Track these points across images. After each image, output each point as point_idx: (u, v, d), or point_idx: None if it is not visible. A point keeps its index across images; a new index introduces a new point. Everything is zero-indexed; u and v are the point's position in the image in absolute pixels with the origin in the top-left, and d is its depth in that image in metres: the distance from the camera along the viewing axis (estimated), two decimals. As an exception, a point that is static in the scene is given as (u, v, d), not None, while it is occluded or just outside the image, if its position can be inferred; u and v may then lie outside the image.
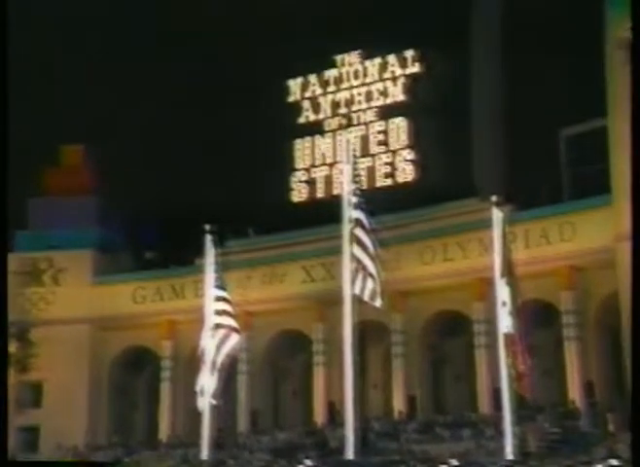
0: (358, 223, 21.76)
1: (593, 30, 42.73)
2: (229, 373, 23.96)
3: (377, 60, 52.24)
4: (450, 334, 47.01)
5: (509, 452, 22.24)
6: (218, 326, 23.40)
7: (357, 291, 21.52)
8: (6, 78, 18.65)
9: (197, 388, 23.78)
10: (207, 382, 23.31)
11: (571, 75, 44.20)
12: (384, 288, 21.56)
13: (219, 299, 23.81)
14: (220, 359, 23.17)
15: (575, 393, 41.49)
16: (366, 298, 21.49)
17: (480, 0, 51.51)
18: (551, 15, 45.96)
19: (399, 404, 45.81)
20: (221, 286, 24.09)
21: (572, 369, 42.13)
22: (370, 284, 21.31)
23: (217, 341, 23.23)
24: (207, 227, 24.98)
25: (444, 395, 47.32)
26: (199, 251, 25.05)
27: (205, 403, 23.72)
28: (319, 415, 46.92)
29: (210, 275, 24.07)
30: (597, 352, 42.24)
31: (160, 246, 53.70)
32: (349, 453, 21.39)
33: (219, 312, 23.60)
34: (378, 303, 21.39)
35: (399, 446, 38.21)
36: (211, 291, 23.82)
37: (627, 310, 39.87)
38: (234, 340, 23.36)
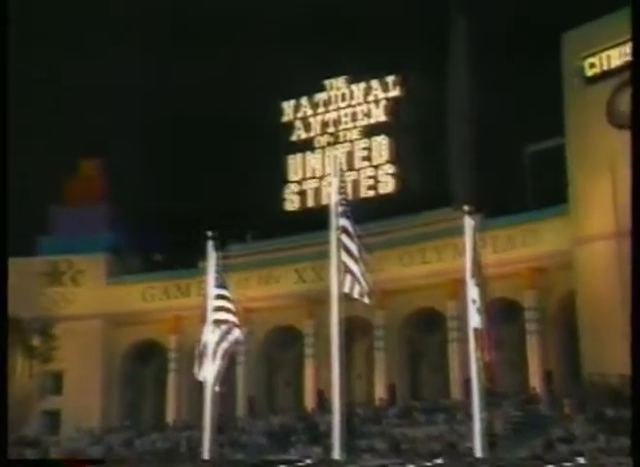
0: (344, 230, 21.64)
1: (555, 59, 42.95)
2: (228, 363, 23.79)
3: (362, 85, 52.29)
4: (427, 329, 47.01)
5: (477, 433, 22.15)
6: (219, 321, 23.25)
7: (346, 290, 21.46)
8: (6, 81, 17.90)
9: (200, 377, 23.60)
10: (209, 372, 23.17)
11: (535, 98, 44.12)
12: (371, 287, 21.48)
13: (220, 297, 23.64)
14: (221, 351, 23.04)
15: (535, 381, 41.85)
16: (355, 296, 21.43)
17: (453, 31, 51.57)
18: (518, 43, 46.02)
19: (380, 392, 45.86)
20: (222, 285, 23.94)
21: (533, 359, 42.60)
22: (356, 284, 21.24)
23: (219, 334, 23.11)
24: (209, 233, 24.83)
25: (421, 384, 47.36)
26: (203, 254, 24.86)
27: (207, 390, 23.60)
28: (309, 402, 46.93)
29: (212, 276, 23.94)
30: (555, 345, 42.40)
31: (167, 250, 53.56)
32: (335, 436, 21.28)
33: (220, 309, 23.43)
34: (367, 300, 21.34)
35: (380, 429, 38.21)
36: (212, 290, 23.67)
37: (583, 307, 40.21)
38: (236, 334, 23.22)
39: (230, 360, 23.61)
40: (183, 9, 57.37)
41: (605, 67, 41.01)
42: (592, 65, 41.41)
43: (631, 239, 11.37)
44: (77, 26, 58.59)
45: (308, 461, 21.49)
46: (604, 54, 40.98)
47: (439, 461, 27.84)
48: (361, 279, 21.12)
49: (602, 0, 40.48)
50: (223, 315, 23.28)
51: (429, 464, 28.80)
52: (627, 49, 40.35)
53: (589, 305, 39.59)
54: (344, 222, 21.66)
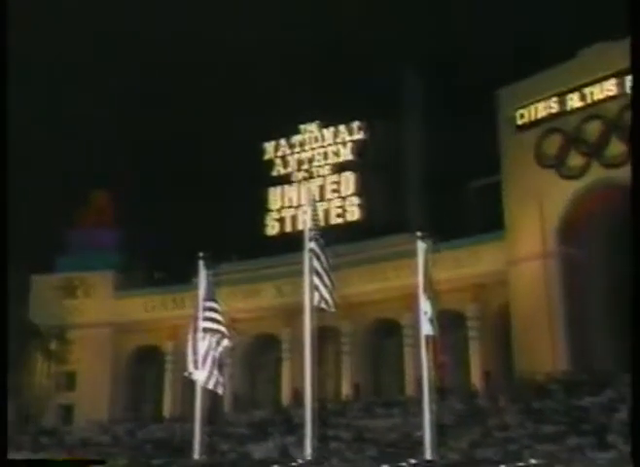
0: (314, 253, 21.84)
1: (492, 110, 43.40)
2: (219, 367, 23.74)
3: (332, 129, 52.44)
4: (386, 336, 46.94)
5: (427, 424, 22.29)
6: (209, 330, 23.17)
7: (316, 303, 21.62)
8: (6, 85, 17.61)
9: (193, 377, 23.45)
10: (200, 374, 23.06)
11: (477, 142, 44.21)
12: (335, 301, 21.65)
13: (210, 309, 23.57)
14: (212, 358, 22.88)
15: (476, 379, 41.96)
16: (322, 306, 21.61)
17: (409, 86, 52.04)
18: (463, 97, 46.38)
19: (346, 389, 45.83)
20: (212, 299, 23.89)
21: (474, 361, 42.72)
22: (323, 299, 21.42)
23: (209, 341, 22.99)
24: (201, 254, 24.90)
25: (381, 382, 47.21)
26: (195, 272, 24.87)
27: (198, 388, 23.55)
28: (286, 398, 46.70)
29: (202, 290, 23.93)
30: (492, 348, 42.33)
31: (166, 268, 53.35)
32: (307, 427, 21.32)
33: (210, 319, 23.35)
34: (332, 309, 21.53)
35: (346, 421, 38.10)
36: (203, 303, 23.61)
37: (515, 317, 40.46)
38: (225, 343, 23.11)
39: (219, 364, 23.49)
40: (183, 63, 57.38)
41: (532, 117, 41.49)
42: (522, 116, 41.90)
43: (631, 241, 11.33)
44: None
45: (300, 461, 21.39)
46: (532, 107, 41.50)
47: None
48: (326, 295, 21.31)
49: (530, 64, 41.17)
50: (212, 325, 23.22)
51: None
52: (551, 102, 41.15)
53: (521, 315, 39.97)
54: (314, 246, 21.84)
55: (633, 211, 12.15)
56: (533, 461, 24.92)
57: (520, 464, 25.12)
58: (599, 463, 25.55)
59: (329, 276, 21.59)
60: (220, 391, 23.36)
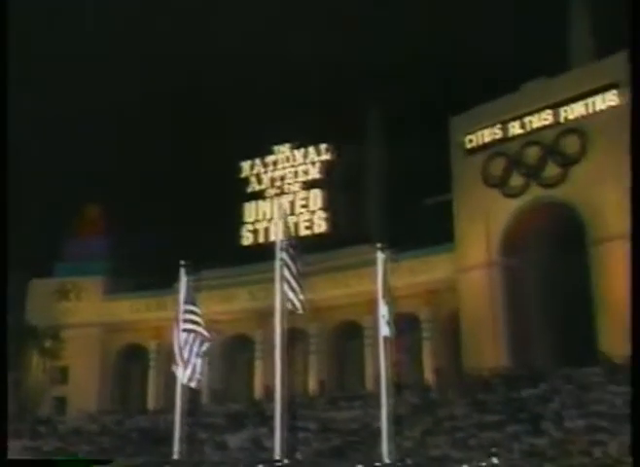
0: (284, 262, 21.96)
1: (445, 135, 43.80)
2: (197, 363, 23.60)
3: (302, 150, 52.34)
4: (349, 337, 46.93)
5: (384, 416, 22.45)
6: (188, 330, 22.99)
7: (287, 306, 21.71)
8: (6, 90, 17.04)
9: (179, 373, 23.19)
10: (180, 370, 22.90)
11: (431, 163, 44.11)
12: (303, 304, 21.76)
13: (190, 311, 23.36)
14: (193, 358, 22.69)
15: (429, 375, 42.11)
16: (291, 308, 21.69)
17: (371, 111, 52.27)
18: (419, 122, 46.66)
19: (313, 385, 45.93)
20: (192, 302, 23.69)
21: (427, 359, 42.84)
22: (293, 300, 21.55)
23: (189, 341, 22.79)
24: (182, 262, 24.76)
25: (344, 378, 47.25)
26: (177, 278, 24.72)
27: (179, 383, 23.40)
28: (258, 393, 46.54)
29: (182, 295, 23.73)
30: (444, 348, 42.50)
31: (150, 274, 52.89)
32: (277, 419, 21.36)
33: (189, 321, 23.16)
34: (300, 311, 21.60)
35: (313, 414, 38.09)
36: (183, 306, 23.40)
37: (464, 319, 40.71)
38: (206, 345, 22.93)
39: (198, 361, 23.32)
40: (170, 87, 57.21)
41: (480, 142, 41.96)
42: (471, 141, 42.37)
43: (631, 243, 11.40)
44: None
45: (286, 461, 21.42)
46: (479, 133, 41.98)
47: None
48: (294, 299, 21.43)
49: (478, 95, 41.76)
50: (192, 326, 23.03)
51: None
52: (495, 129, 41.64)
53: (468, 317, 40.31)
54: (284, 255, 21.95)
55: (633, 213, 11.98)
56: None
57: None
58: (534, 447, 25.99)
59: (297, 282, 21.71)
60: (196, 386, 23.21)
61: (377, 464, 22.19)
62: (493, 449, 24.65)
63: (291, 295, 21.47)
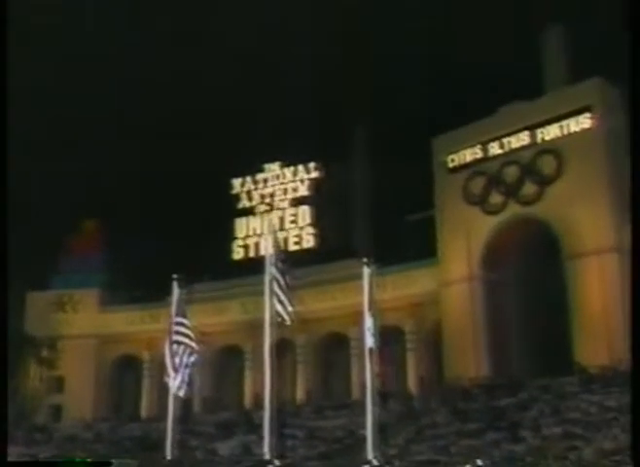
0: (273, 277, 21.93)
1: (428, 154, 44.04)
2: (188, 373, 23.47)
3: (291, 168, 52.49)
4: (335, 348, 46.70)
5: (369, 424, 22.38)
6: (179, 342, 22.86)
7: (284, 319, 21.69)
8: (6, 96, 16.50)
9: (170, 383, 23.07)
10: (172, 380, 22.77)
11: (415, 181, 44.15)
12: (292, 315, 21.72)
13: (180, 324, 23.21)
14: (182, 365, 22.58)
15: (412, 384, 42.05)
16: (280, 320, 21.67)
17: (358, 131, 52.54)
18: (403, 142, 46.80)
19: (301, 394, 45.75)
20: (183, 315, 23.53)
21: (411, 369, 42.73)
22: (281, 312, 21.54)
23: (179, 353, 22.65)
24: (175, 275, 24.66)
25: (330, 388, 47.01)
26: (170, 291, 24.60)
27: (171, 392, 23.27)
28: (248, 402, 46.30)
29: (174, 307, 23.60)
30: (426, 358, 42.53)
31: (144, 287, 52.71)
32: (266, 427, 21.24)
33: (179, 333, 23.00)
34: (288, 322, 21.56)
35: (300, 422, 37.91)
36: (174, 318, 23.26)
37: (446, 331, 40.66)
38: (193, 358, 22.79)
39: (189, 372, 23.19)
40: (166, 111, 57.31)
41: (461, 162, 42.31)
42: (453, 160, 42.69)
43: (632, 244, 11.25)
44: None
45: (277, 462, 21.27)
46: (461, 153, 42.33)
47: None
48: (282, 311, 21.40)
49: (460, 118, 42.06)
50: (181, 338, 22.91)
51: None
52: (476, 149, 41.96)
53: (450, 329, 40.43)
54: (273, 271, 21.93)
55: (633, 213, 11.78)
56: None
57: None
58: (512, 454, 25.99)
59: (286, 295, 21.68)
60: (183, 395, 23.04)
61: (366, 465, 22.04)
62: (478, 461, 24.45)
63: (279, 307, 21.47)
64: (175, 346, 22.66)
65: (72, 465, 18.78)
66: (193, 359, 22.53)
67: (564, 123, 38.57)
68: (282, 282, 21.74)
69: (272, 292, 21.70)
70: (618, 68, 36.43)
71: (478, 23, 48.99)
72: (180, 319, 23.16)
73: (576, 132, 38.15)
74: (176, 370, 22.42)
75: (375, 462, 21.84)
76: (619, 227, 35.62)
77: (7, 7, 18.61)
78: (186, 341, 22.72)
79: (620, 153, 37.33)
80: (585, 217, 36.42)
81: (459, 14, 51.74)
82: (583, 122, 37.99)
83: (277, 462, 21.20)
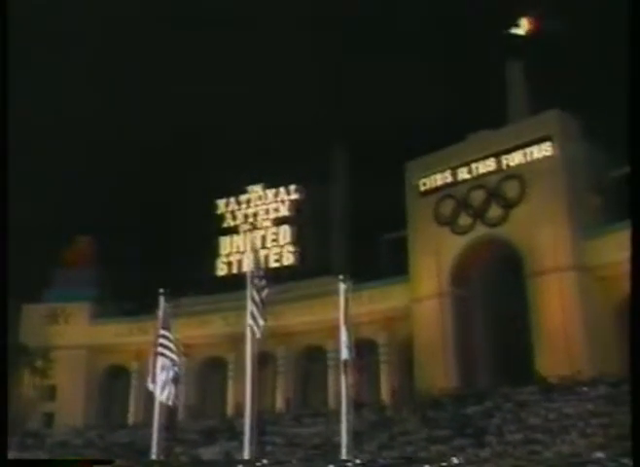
0: (250, 297, 21.90)
1: (402, 178, 44.45)
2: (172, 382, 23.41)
3: (273, 190, 52.63)
4: (313, 359, 46.38)
5: (344, 431, 22.43)
6: (161, 354, 22.82)
7: (256, 333, 21.71)
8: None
9: (156, 392, 23.00)
10: (157, 389, 22.71)
11: (389, 204, 44.49)
12: (266, 330, 21.74)
13: (164, 337, 23.16)
14: (166, 375, 22.52)
15: (385, 394, 41.92)
16: (258, 335, 21.71)
17: (336, 156, 52.97)
18: (377, 167, 47.14)
19: (280, 403, 45.52)
20: (167, 328, 23.46)
21: (384, 380, 42.51)
22: (253, 326, 21.61)
23: (164, 363, 22.60)
24: (161, 290, 24.68)
25: (308, 397, 46.82)
26: (157, 305, 24.60)
27: (156, 401, 23.23)
28: (230, 410, 45.95)
29: (161, 320, 23.61)
30: (399, 370, 42.39)
31: (133, 301, 52.46)
32: (247, 434, 21.22)
33: (163, 345, 22.97)
34: (258, 336, 21.52)
35: (279, 429, 37.82)
36: (160, 331, 23.25)
37: (417, 344, 40.58)
38: (175, 368, 22.74)
39: (173, 381, 23.13)
40: (156, 137, 57.39)
41: (432, 186, 42.49)
42: (424, 184, 42.90)
43: (631, 245, 11.22)
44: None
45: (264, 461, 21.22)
46: (432, 177, 42.58)
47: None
48: (254, 326, 21.40)
49: (431, 144, 42.65)
50: (163, 350, 22.89)
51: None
52: (446, 174, 42.35)
53: (421, 342, 40.36)
54: (250, 286, 21.92)
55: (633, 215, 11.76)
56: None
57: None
58: (476, 458, 26.19)
59: (259, 310, 21.65)
60: (168, 403, 22.99)
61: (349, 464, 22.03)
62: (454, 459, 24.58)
63: (251, 321, 21.49)
64: (158, 357, 22.67)
65: (72, 464, 18.48)
66: (175, 370, 22.52)
67: (527, 150, 39.21)
68: (257, 298, 21.80)
69: (250, 308, 21.73)
70: (575, 101, 37.47)
71: (450, 60, 49.75)
72: (164, 332, 23.17)
73: (538, 159, 38.77)
74: (159, 379, 22.42)
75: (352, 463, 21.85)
76: (577, 247, 36.29)
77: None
78: (167, 352, 22.70)
79: (578, 178, 38.28)
80: (545, 238, 36.98)
81: (432, 50, 52.72)
82: (544, 149, 38.65)
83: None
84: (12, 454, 35.73)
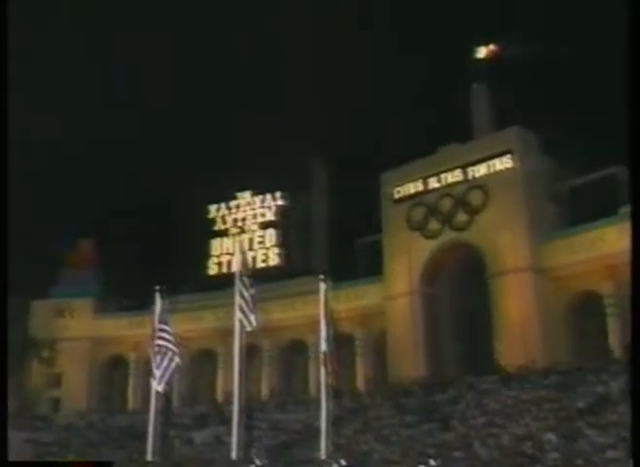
0: (239, 293, 22.02)
1: (377, 187, 44.72)
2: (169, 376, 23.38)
3: (260, 196, 52.42)
4: (296, 352, 46.47)
5: (323, 417, 22.56)
6: (160, 346, 22.80)
7: (245, 326, 21.78)
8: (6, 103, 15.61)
9: (153, 381, 22.95)
10: (155, 379, 22.70)
11: (365, 210, 44.85)
12: (252, 323, 21.83)
13: (163, 330, 23.16)
14: (163, 366, 22.49)
15: (361, 383, 41.98)
16: (247, 328, 21.77)
17: (316, 166, 53.14)
18: (355, 176, 47.16)
19: (265, 391, 45.51)
20: (165, 322, 23.51)
21: (360, 370, 42.52)
22: (242, 320, 21.70)
23: (161, 354, 22.59)
24: (157, 287, 24.63)
25: (292, 386, 46.80)
26: (153, 301, 24.57)
27: (153, 388, 23.19)
28: (220, 397, 45.87)
29: (157, 316, 23.58)
30: (373, 361, 42.46)
31: (131, 298, 52.14)
32: (235, 420, 21.24)
33: (162, 338, 22.89)
34: (249, 328, 21.55)
35: (265, 415, 37.73)
36: (157, 325, 23.23)
37: (390, 338, 40.63)
38: (176, 360, 22.75)
39: (171, 374, 23.13)
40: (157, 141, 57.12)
41: (405, 194, 42.70)
42: (398, 192, 43.12)
43: (631, 246, 11.36)
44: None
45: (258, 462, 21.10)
46: (405, 186, 42.80)
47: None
48: (244, 320, 21.46)
49: (404, 156, 42.98)
50: (163, 342, 22.83)
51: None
52: (418, 183, 42.65)
53: (394, 336, 40.71)
54: (239, 284, 22.03)
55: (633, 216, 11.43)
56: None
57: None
58: (442, 441, 26.52)
59: (248, 305, 21.74)
60: (163, 390, 22.96)
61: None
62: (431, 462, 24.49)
63: (241, 315, 21.57)
64: (157, 349, 22.67)
65: (73, 465, 17.70)
66: (176, 361, 22.57)
67: (491, 162, 39.79)
68: (246, 295, 21.91)
69: (239, 303, 21.82)
70: (533, 118, 38.14)
71: (423, 82, 49.84)
72: (163, 326, 23.11)
73: (500, 171, 39.38)
74: (159, 369, 22.43)
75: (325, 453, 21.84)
76: (534, 250, 36.92)
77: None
78: (167, 344, 22.74)
79: (536, 188, 38.98)
80: (506, 242, 37.59)
81: (405, 71, 53.08)
82: (506, 162, 39.28)
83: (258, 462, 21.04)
84: (24, 435, 35.88)
